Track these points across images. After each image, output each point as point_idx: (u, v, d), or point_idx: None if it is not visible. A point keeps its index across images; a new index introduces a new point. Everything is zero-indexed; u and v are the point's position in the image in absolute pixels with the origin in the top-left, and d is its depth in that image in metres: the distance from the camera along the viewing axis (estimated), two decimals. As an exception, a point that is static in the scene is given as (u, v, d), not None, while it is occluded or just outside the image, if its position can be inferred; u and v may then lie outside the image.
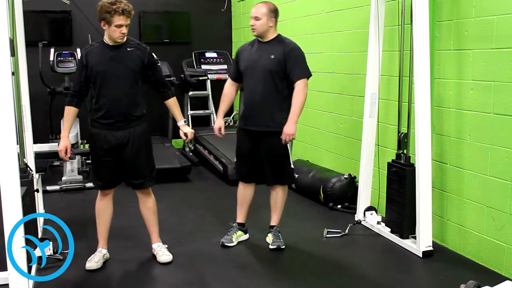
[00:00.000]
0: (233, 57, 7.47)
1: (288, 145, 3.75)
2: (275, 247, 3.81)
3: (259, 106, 3.73)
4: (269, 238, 3.90)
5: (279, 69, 3.67)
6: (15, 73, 3.21)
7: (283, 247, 3.82)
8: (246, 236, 4.03)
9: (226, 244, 3.89)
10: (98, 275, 3.41)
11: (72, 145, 5.82)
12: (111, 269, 3.50)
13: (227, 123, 7.72)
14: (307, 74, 3.71)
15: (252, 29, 3.74)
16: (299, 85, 3.65)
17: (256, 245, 3.94)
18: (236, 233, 3.96)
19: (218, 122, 3.90)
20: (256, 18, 3.70)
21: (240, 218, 4.02)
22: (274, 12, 3.73)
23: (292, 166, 3.87)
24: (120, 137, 3.40)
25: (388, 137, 4.37)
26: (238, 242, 3.94)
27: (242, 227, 4.02)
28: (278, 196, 3.90)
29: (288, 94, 3.71)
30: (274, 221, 3.95)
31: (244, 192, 3.97)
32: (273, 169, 3.81)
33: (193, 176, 6.03)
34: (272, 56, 3.68)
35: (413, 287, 3.34)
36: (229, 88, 3.96)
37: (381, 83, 4.23)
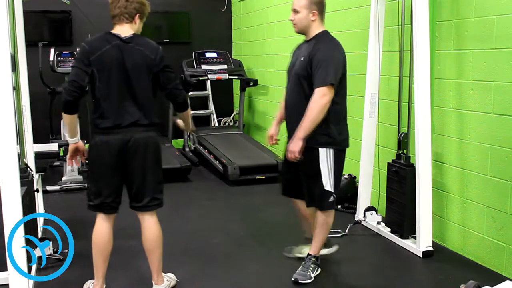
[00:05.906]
0: (233, 57, 7.48)
1: (325, 163, 3.17)
2: (293, 279, 3.24)
3: (289, 117, 3.27)
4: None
5: (305, 74, 3.11)
6: (15, 73, 3.21)
7: (303, 282, 3.22)
8: (328, 250, 3.58)
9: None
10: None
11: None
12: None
13: (227, 123, 7.72)
14: (325, 82, 3.01)
15: (293, 24, 3.22)
16: (315, 94, 3.03)
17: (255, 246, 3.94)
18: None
19: (272, 128, 3.42)
20: (295, 11, 3.15)
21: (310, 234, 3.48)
22: (316, 4, 3.13)
23: (327, 188, 3.19)
24: None
25: (388, 137, 4.37)
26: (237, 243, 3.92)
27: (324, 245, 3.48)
28: (317, 221, 3.31)
29: None
30: (310, 248, 3.39)
31: (297, 208, 3.49)
32: (305, 189, 3.30)
33: (193, 176, 6.03)
34: (302, 59, 3.14)
35: (413, 287, 3.34)
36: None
37: (381, 83, 4.23)
